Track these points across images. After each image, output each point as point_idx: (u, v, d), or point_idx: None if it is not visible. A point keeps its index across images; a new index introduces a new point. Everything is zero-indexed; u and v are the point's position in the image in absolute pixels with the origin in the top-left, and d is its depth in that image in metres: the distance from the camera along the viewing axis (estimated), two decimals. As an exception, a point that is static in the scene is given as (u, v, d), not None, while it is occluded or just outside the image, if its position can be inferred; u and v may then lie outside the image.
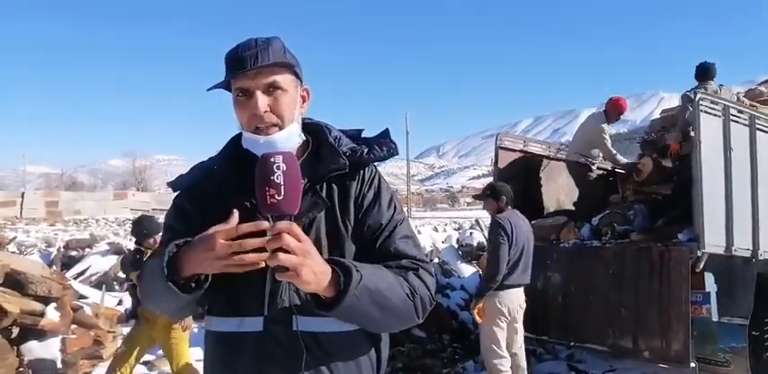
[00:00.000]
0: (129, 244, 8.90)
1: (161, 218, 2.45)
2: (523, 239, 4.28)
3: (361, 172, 1.33)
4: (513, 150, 6.16)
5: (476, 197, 5.04)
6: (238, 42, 1.26)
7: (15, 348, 4.48)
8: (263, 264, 1.05)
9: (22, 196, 34.10)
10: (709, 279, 4.23)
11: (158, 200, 37.12)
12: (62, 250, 10.62)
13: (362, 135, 1.43)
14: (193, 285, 1.13)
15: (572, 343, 5.09)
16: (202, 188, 1.33)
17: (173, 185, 1.39)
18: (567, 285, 5.02)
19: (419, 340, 5.79)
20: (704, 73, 5.61)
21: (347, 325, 1.23)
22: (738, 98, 5.76)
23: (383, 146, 1.35)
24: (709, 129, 4.32)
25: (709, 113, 4.36)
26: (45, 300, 4.67)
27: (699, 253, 4.15)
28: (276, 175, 1.04)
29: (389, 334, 1.39)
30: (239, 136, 1.31)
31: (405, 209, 1.45)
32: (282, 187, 1.03)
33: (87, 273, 9.04)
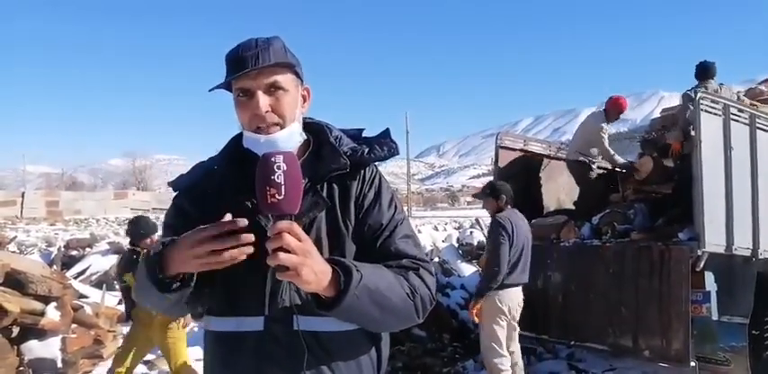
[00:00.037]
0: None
1: (161, 218, 2.45)
2: (523, 239, 4.31)
3: (362, 171, 1.33)
4: (514, 149, 6.16)
5: (475, 196, 5.05)
6: (239, 42, 1.26)
7: (16, 347, 4.49)
8: (243, 257, 1.04)
9: (23, 196, 34.13)
10: (710, 278, 4.23)
11: (159, 200, 37.15)
12: (62, 249, 10.63)
13: (363, 135, 1.43)
14: (178, 284, 1.13)
15: (572, 342, 5.09)
16: (203, 188, 1.33)
17: (173, 185, 1.39)
18: (567, 284, 5.03)
19: (419, 339, 5.80)
20: (704, 72, 5.61)
21: (348, 325, 1.23)
22: (738, 97, 5.76)
23: (384, 145, 1.35)
24: (709, 128, 4.32)
25: (710, 112, 4.36)
26: (45, 300, 4.67)
27: (699, 253, 4.15)
28: (277, 175, 1.04)
29: (390, 334, 1.39)
30: (240, 136, 1.31)
31: (405, 208, 1.45)
32: (283, 187, 1.03)
33: (87, 273, 9.05)
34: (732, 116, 4.46)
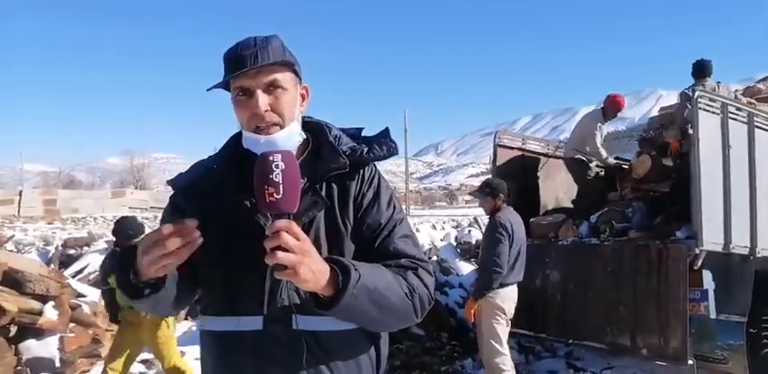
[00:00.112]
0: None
1: (158, 216, 2.43)
2: (520, 238, 4.33)
3: (361, 171, 1.33)
4: (512, 148, 6.17)
5: (472, 194, 5.05)
6: (237, 41, 1.25)
7: (13, 346, 4.48)
8: (190, 251, 1.03)
9: (20, 194, 34.05)
10: (707, 276, 4.24)
11: (156, 199, 37.08)
12: (60, 248, 10.60)
13: (362, 134, 1.43)
14: (149, 290, 1.13)
15: (570, 341, 5.10)
16: (202, 186, 1.33)
17: (172, 183, 1.39)
18: (565, 283, 5.04)
19: (418, 337, 5.81)
20: (701, 70, 5.62)
21: (347, 324, 1.23)
22: (736, 96, 5.76)
23: (383, 145, 1.35)
24: (707, 127, 4.33)
25: (708, 111, 4.37)
26: (43, 299, 4.67)
27: (697, 251, 4.16)
28: (275, 174, 1.03)
29: (388, 332, 1.39)
30: (239, 135, 1.31)
31: (403, 207, 1.45)
32: (281, 186, 1.03)
33: (85, 272, 9.02)
34: (730, 114, 4.47)
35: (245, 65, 1.20)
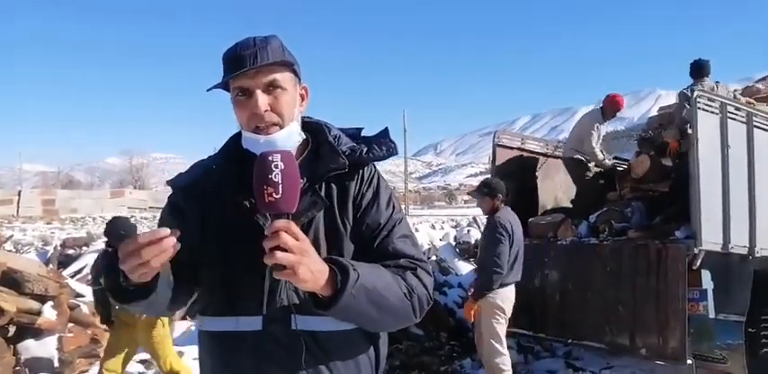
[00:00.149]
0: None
1: (157, 216, 2.42)
2: (518, 238, 4.34)
3: (361, 171, 1.33)
4: (511, 148, 6.17)
5: (470, 194, 5.05)
6: (236, 41, 1.25)
7: (12, 347, 4.48)
8: (165, 259, 1.02)
9: (19, 194, 34.02)
10: (706, 276, 4.24)
11: (155, 199, 37.05)
12: (59, 248, 10.58)
13: (362, 134, 1.43)
14: (136, 295, 1.12)
15: (569, 341, 5.10)
16: (201, 186, 1.33)
17: (172, 183, 1.38)
18: (564, 282, 5.04)
19: (417, 337, 5.81)
20: (699, 70, 5.62)
21: (346, 324, 1.23)
22: (735, 95, 5.76)
23: (382, 145, 1.35)
24: (706, 127, 4.33)
25: (707, 111, 4.37)
26: (42, 299, 4.66)
27: (696, 251, 4.16)
28: (274, 174, 1.04)
29: (387, 332, 1.39)
30: (239, 135, 1.31)
31: (402, 206, 1.45)
32: (280, 186, 1.03)
33: (84, 272, 9.00)
34: (729, 114, 4.47)
35: (244, 65, 1.20)
